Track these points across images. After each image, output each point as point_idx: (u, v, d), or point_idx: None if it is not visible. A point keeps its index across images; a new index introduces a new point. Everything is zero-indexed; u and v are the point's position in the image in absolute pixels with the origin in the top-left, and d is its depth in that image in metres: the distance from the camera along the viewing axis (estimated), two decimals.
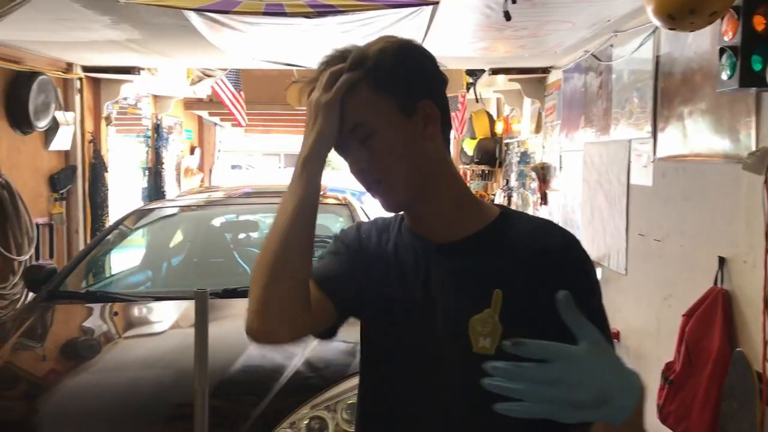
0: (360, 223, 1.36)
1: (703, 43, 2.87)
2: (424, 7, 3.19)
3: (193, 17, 3.33)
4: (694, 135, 2.98)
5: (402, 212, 1.24)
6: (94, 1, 3.20)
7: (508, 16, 2.93)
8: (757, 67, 2.23)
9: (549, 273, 1.09)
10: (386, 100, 1.12)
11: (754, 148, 2.42)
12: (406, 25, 3.54)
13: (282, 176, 25.33)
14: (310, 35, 3.65)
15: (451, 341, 1.13)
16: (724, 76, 2.34)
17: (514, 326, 1.08)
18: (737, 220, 2.57)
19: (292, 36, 3.72)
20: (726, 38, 2.33)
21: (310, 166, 1.15)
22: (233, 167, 26.42)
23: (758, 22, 2.22)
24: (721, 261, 2.68)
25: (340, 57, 1.15)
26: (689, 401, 2.58)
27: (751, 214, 2.46)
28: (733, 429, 2.37)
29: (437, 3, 3.11)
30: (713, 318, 2.59)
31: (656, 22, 2.29)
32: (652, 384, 2.83)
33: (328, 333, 1.25)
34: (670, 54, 3.26)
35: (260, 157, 31.28)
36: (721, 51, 2.34)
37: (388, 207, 1.18)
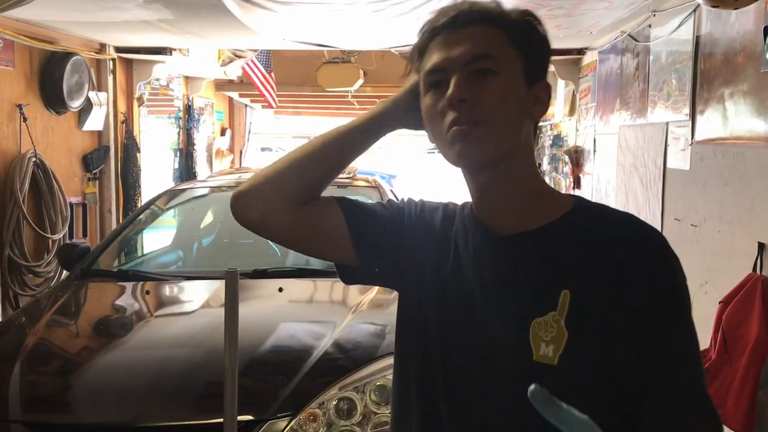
0: (425, 200, 1.25)
1: (747, 22, 2.78)
2: None
3: None
4: (735, 117, 2.90)
5: (470, 200, 1.13)
6: None
7: None
8: None
9: (625, 278, 0.97)
10: (516, 57, 1.03)
11: None
12: (442, 3, 3.49)
13: None
14: (342, 15, 3.62)
15: (508, 345, 1.01)
16: None
17: (581, 334, 0.97)
18: None
19: (323, 15, 3.69)
20: None
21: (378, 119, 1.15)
22: (263, 149, 26.62)
23: None
24: (761, 247, 2.61)
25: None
26: (724, 390, 2.52)
27: None
28: None
29: None
30: (752, 305, 2.53)
31: (699, 0, 2.21)
32: None
33: (345, 271, 1.17)
34: (710, 34, 3.17)
35: (290, 140, 31.41)
36: (766, 30, 2.26)
37: (470, 154, 1.01)
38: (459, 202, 1.20)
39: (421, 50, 1.07)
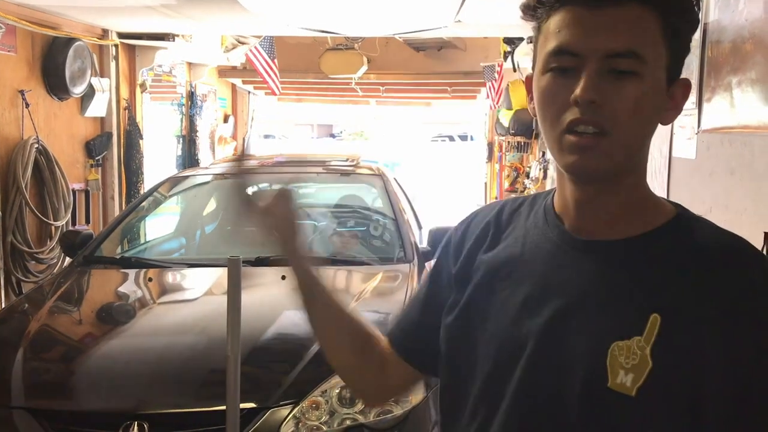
0: (462, 223, 1.10)
1: (756, 9, 2.74)
2: None
3: None
4: (743, 106, 2.87)
5: (552, 191, 1.00)
6: None
7: None
8: None
9: (727, 318, 0.83)
10: (664, 54, 0.88)
11: None
12: None
13: (314, 146, 25.47)
14: (344, 1, 3.59)
15: (580, 367, 0.88)
16: None
17: (668, 369, 0.83)
18: None
19: (326, 1, 3.67)
20: None
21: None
22: (266, 137, 26.63)
23: None
24: (767, 237, 2.59)
25: None
26: None
27: None
28: None
29: None
30: None
31: None
32: None
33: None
34: (718, 21, 3.13)
35: (293, 127, 31.40)
36: None
37: (585, 167, 0.88)
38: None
39: (545, 1, 0.91)
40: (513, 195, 7.55)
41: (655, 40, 0.86)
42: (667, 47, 0.87)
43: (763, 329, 0.82)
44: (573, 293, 0.90)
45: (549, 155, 5.46)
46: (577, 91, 0.84)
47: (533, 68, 0.94)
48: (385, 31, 4.94)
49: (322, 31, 4.98)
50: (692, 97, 3.38)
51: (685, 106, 3.14)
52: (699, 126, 3.32)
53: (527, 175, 7.57)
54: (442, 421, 1.06)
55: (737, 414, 0.82)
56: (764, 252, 2.58)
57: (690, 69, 3.43)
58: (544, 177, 7.06)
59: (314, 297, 1.14)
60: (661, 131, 3.82)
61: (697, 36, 3.34)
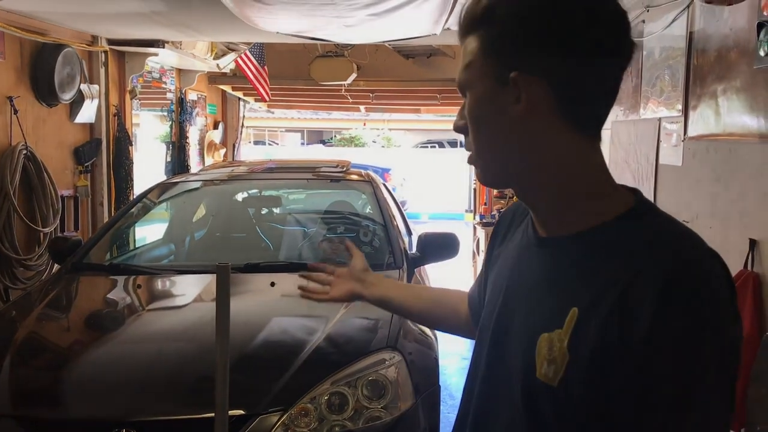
0: (504, 212, 1.24)
1: (740, 18, 2.78)
2: None
3: None
4: (728, 114, 2.91)
5: None
6: None
7: None
8: None
9: (634, 314, 0.81)
10: (485, 62, 0.92)
11: None
12: (429, 1, 3.48)
13: (304, 153, 25.44)
14: (335, 8, 3.61)
15: (520, 358, 0.93)
16: (762, 52, 2.27)
17: (582, 361, 0.85)
18: None
19: (317, 8, 3.68)
20: (765, 13, 2.25)
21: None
22: (256, 143, 26.57)
23: None
24: (752, 243, 2.62)
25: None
26: None
27: None
28: (761, 414, 2.33)
29: None
30: (743, 301, 2.54)
31: None
32: None
33: None
34: (704, 30, 3.17)
35: (283, 134, 31.36)
36: (759, 26, 2.27)
37: (479, 180, 1.01)
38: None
39: None
40: (501, 200, 7.58)
41: (476, 55, 0.93)
42: (484, 56, 0.92)
43: (666, 334, 0.79)
44: (523, 287, 0.97)
45: None
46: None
47: None
48: (375, 38, 4.95)
49: (313, 39, 4.99)
50: (678, 105, 3.42)
51: (670, 114, 3.17)
52: (685, 133, 3.35)
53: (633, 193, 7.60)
54: None
55: (641, 414, 0.81)
56: (751, 259, 2.61)
57: (676, 77, 3.47)
58: None
59: (388, 303, 1.50)
60: (647, 138, 3.87)
61: (683, 44, 3.38)
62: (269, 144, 28.59)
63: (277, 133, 30.52)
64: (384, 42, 5.20)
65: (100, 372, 2.68)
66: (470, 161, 0.97)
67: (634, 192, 0.95)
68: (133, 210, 4.34)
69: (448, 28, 4.32)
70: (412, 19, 3.82)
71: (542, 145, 0.91)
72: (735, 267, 2.68)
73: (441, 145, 29.11)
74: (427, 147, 29.48)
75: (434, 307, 1.47)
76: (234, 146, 9.92)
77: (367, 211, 4.54)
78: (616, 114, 4.52)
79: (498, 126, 0.92)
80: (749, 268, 2.61)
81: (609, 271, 0.85)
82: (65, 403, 2.57)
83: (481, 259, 6.78)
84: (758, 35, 2.28)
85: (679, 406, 0.79)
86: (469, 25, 0.94)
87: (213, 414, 2.15)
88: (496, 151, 0.94)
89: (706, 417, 0.80)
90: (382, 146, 29.33)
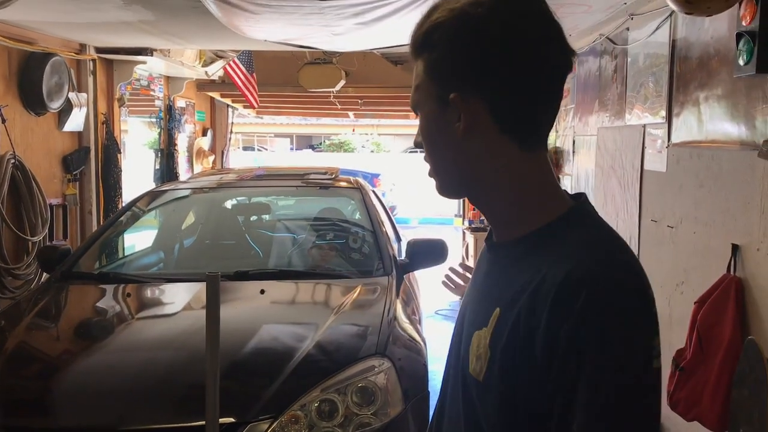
0: None
1: (721, 27, 2.83)
2: None
3: (207, 0, 3.31)
4: (710, 121, 2.95)
5: None
6: None
7: None
8: None
9: (536, 318, 0.86)
10: (429, 86, 0.99)
11: None
12: (417, 9, 3.51)
13: (293, 159, 25.41)
14: (323, 17, 3.64)
15: (462, 353, 1.00)
16: (741, 61, 2.31)
17: (499, 358, 0.90)
18: (752, 207, 2.55)
19: (304, 17, 3.71)
20: (744, 23, 2.30)
21: None
22: (245, 149, 26.53)
23: None
24: (735, 248, 2.66)
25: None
26: (700, 388, 2.57)
27: (766, 202, 2.44)
28: (743, 416, 2.36)
29: None
30: (725, 305, 2.58)
31: (673, 7, 2.26)
32: (663, 371, 2.81)
33: None
34: (686, 38, 3.22)
35: (272, 139, 31.32)
36: (739, 36, 2.31)
37: (437, 191, 1.07)
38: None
39: None
40: None
41: (422, 79, 0.99)
42: (430, 80, 0.98)
43: (556, 334, 0.83)
44: (474, 290, 1.06)
45: None
46: None
47: None
48: (362, 46, 4.99)
49: (300, 47, 5.01)
50: (662, 112, 3.47)
51: (654, 120, 3.22)
52: (669, 140, 3.40)
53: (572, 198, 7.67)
54: None
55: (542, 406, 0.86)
56: (734, 264, 2.65)
57: (660, 84, 3.52)
58: None
59: None
60: (632, 144, 3.92)
61: (666, 52, 3.43)
62: (258, 150, 28.55)
63: (266, 139, 30.49)
64: (372, 49, 5.23)
65: (91, 381, 2.69)
66: (429, 174, 1.04)
67: (578, 199, 1.00)
68: (122, 218, 4.35)
69: None
70: (399, 27, 3.85)
71: (485, 159, 0.97)
72: (718, 271, 2.73)
73: None
74: (416, 151, 29.52)
75: None
76: (223, 153, 9.92)
77: (356, 217, 4.56)
78: (602, 120, 4.57)
79: (445, 143, 0.99)
80: (732, 272, 2.65)
81: (525, 275, 0.91)
82: (57, 412, 2.58)
83: (471, 263, 6.81)
84: (737, 44, 2.32)
85: (569, 406, 0.83)
86: (414, 49, 1.00)
87: (203, 422, 2.18)
88: (447, 166, 1.01)
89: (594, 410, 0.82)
90: (372, 151, 29.35)
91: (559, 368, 0.83)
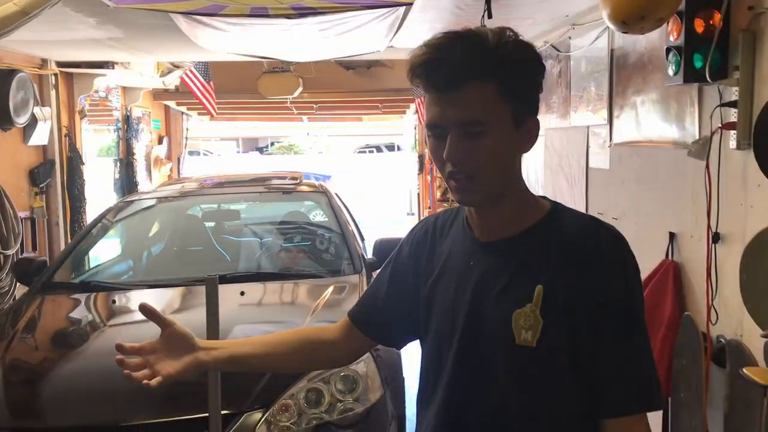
0: (408, 236, 1.46)
1: (653, 38, 3.14)
2: (399, 7, 3.42)
3: (179, 19, 3.50)
4: (646, 122, 3.28)
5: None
6: (83, 4, 3.35)
7: (489, 15, 3.21)
8: (698, 64, 2.51)
9: (585, 278, 1.16)
10: (506, 107, 1.16)
11: (697, 136, 2.72)
12: (379, 24, 3.77)
13: (243, 163, 25.28)
14: (290, 33, 3.86)
15: (497, 335, 1.20)
16: (671, 72, 2.62)
17: (555, 321, 1.16)
18: (684, 199, 2.88)
19: (271, 33, 3.92)
20: (672, 38, 2.61)
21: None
22: (190, 153, 26.22)
23: (698, 25, 2.50)
24: (671, 236, 2.99)
25: (462, 42, 1.15)
26: None
27: (696, 194, 2.76)
28: (683, 384, 2.69)
29: (411, 4, 3.34)
30: (665, 287, 2.90)
31: (611, 26, 2.57)
32: None
33: (390, 343, 1.54)
34: (623, 48, 3.55)
35: (217, 142, 30.99)
36: (668, 50, 2.62)
37: (465, 201, 1.24)
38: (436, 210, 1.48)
39: (417, 84, 1.20)
40: (445, 204, 7.94)
41: (495, 103, 1.16)
42: (510, 103, 1.17)
43: (610, 281, 1.17)
44: (483, 281, 1.24)
45: None
46: (445, 153, 1.18)
47: None
48: (323, 56, 5.21)
49: (261, 57, 5.21)
50: (604, 113, 3.80)
51: (597, 122, 3.60)
52: (611, 139, 3.73)
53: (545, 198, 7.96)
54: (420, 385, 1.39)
55: (600, 345, 1.17)
56: (671, 250, 2.99)
57: (601, 88, 3.85)
58: None
59: (239, 361, 1.46)
60: (577, 144, 4.24)
61: (605, 60, 3.76)
62: (204, 154, 28.24)
63: (210, 142, 30.13)
64: (331, 59, 5.47)
65: (89, 382, 2.86)
66: (459, 187, 1.19)
67: (544, 197, 1.30)
68: (93, 230, 4.48)
69: (392, 46, 4.62)
70: (359, 39, 4.10)
71: (519, 170, 1.26)
72: (657, 257, 3.06)
73: (379, 149, 29.42)
74: (365, 152, 29.74)
75: (297, 345, 1.49)
76: (179, 160, 10.00)
77: (323, 220, 4.77)
78: (549, 121, 4.90)
79: (512, 158, 1.22)
80: (669, 257, 2.99)
81: (558, 256, 1.18)
82: (60, 413, 2.74)
83: None
84: (667, 57, 2.64)
85: (634, 326, 1.18)
86: (475, 71, 1.14)
87: (197, 415, 2.38)
88: (500, 177, 1.21)
89: (642, 323, 1.20)
90: (320, 152, 29.42)
91: (611, 304, 1.16)
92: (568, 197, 4.46)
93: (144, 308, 1.39)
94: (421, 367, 1.38)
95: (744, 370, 1.97)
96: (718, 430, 2.48)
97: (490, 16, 3.24)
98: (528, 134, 1.21)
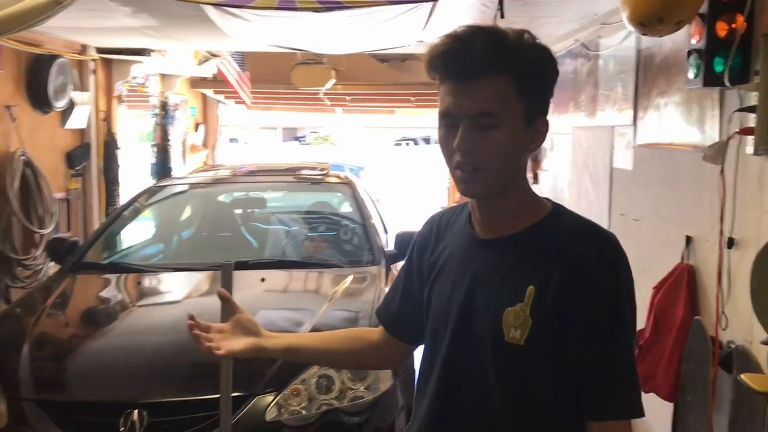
0: (417, 235, 1.48)
1: (678, 40, 3.13)
2: (426, 3, 3.45)
3: (210, 9, 3.58)
4: (669, 125, 3.27)
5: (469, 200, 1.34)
6: None
7: (502, 14, 3.21)
8: (718, 68, 2.50)
9: (575, 284, 1.17)
10: (519, 104, 1.19)
11: (717, 140, 2.71)
12: (407, 18, 3.80)
13: (280, 151, 25.52)
14: (317, 26, 3.91)
15: (487, 330, 1.23)
16: (691, 75, 2.61)
17: (543, 323, 1.19)
18: (702, 203, 2.87)
19: (298, 26, 3.98)
20: (694, 41, 2.60)
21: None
22: (231, 140, 26.59)
23: (720, 28, 2.49)
24: (688, 239, 2.98)
25: (477, 36, 1.17)
26: (655, 364, 2.89)
27: (713, 199, 2.75)
28: (691, 388, 2.69)
29: (436, 0, 3.37)
30: (679, 290, 2.90)
31: (630, 28, 2.57)
32: None
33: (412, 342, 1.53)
34: (649, 49, 3.53)
35: (258, 131, 31.37)
36: (689, 53, 2.62)
37: (470, 193, 1.25)
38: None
39: (434, 75, 1.22)
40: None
41: (509, 99, 1.18)
42: (523, 102, 1.19)
43: (600, 287, 1.18)
44: (477, 279, 1.27)
45: None
46: (455, 143, 1.20)
47: None
48: (353, 50, 5.26)
49: (293, 49, 5.28)
50: (629, 114, 3.78)
51: (622, 122, 3.60)
52: (635, 140, 3.72)
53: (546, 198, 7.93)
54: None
55: (585, 347, 1.19)
56: (687, 253, 2.98)
57: (627, 88, 3.84)
58: None
59: (296, 351, 1.54)
60: (603, 144, 4.23)
61: (632, 60, 3.74)
62: (245, 142, 28.61)
63: (251, 131, 30.50)
64: (360, 52, 5.52)
65: (112, 360, 2.97)
66: (468, 175, 1.21)
67: (547, 198, 1.32)
68: (125, 212, 4.61)
69: (422, 41, 4.65)
70: (388, 33, 4.14)
71: (524, 168, 1.29)
72: (675, 260, 3.05)
73: (415, 142, 29.41)
74: (401, 144, 29.75)
75: (348, 342, 1.56)
76: (214, 147, 10.16)
77: (347, 211, 4.84)
78: (577, 119, 4.88)
79: (518, 154, 1.24)
80: (685, 261, 2.98)
81: (553, 258, 1.20)
82: (81, 387, 2.85)
83: None
84: (688, 60, 2.63)
85: (620, 334, 1.20)
86: (495, 66, 1.16)
87: (213, 395, 2.45)
88: (505, 171, 1.23)
89: (629, 331, 1.22)
90: (357, 144, 29.51)
91: (600, 306, 1.18)
92: (592, 196, 4.45)
93: (220, 294, 1.52)
94: (421, 360, 1.41)
95: (742, 376, 1.97)
96: None
97: (502, 16, 3.25)
98: (536, 134, 1.23)
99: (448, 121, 1.21)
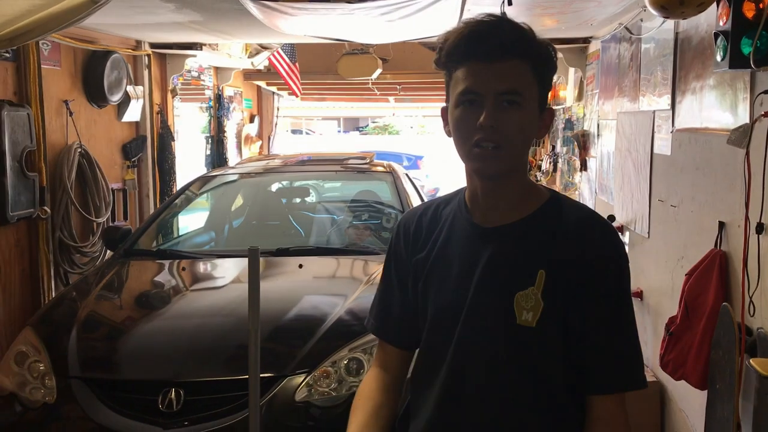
0: (400, 223, 1.49)
1: (713, 22, 3.06)
2: None
3: (248, 3, 3.69)
4: (704, 109, 3.21)
5: (463, 190, 1.39)
6: None
7: (510, 2, 3.20)
8: (746, 50, 2.44)
9: (584, 267, 1.25)
10: (536, 89, 1.28)
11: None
12: (442, 7, 3.82)
13: (340, 141, 25.78)
14: (353, 17, 3.98)
15: (498, 315, 1.29)
16: (718, 57, 2.56)
17: (554, 305, 1.26)
18: (735, 188, 2.81)
19: (335, 18, 4.05)
20: (721, 23, 2.55)
21: None
22: (294, 132, 27.03)
23: (748, 9, 2.43)
24: (721, 225, 2.93)
25: (492, 25, 1.26)
26: (686, 351, 2.86)
27: (745, 184, 2.70)
28: (719, 375, 2.65)
29: None
30: (710, 276, 2.85)
31: (652, 11, 2.54)
32: (658, 337, 3.11)
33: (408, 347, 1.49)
34: (686, 31, 3.46)
35: (319, 122, 31.80)
36: (716, 35, 2.57)
37: (489, 171, 1.29)
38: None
39: (453, 60, 1.28)
40: None
41: (530, 82, 1.27)
42: (539, 86, 1.29)
43: (606, 270, 1.27)
44: (485, 267, 1.31)
45: (559, 149, 5.81)
46: (482, 119, 1.24)
47: (447, 103, 1.36)
48: (393, 39, 5.31)
49: (337, 40, 5.36)
50: (668, 99, 3.72)
51: (662, 107, 3.56)
52: (673, 125, 3.66)
53: (539, 168, 7.88)
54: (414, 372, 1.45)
55: (594, 327, 1.27)
56: (719, 239, 2.93)
57: (666, 73, 3.77)
58: (554, 170, 7.37)
59: None
60: (644, 129, 4.17)
61: (671, 43, 3.67)
62: (306, 133, 29.03)
63: (313, 122, 30.94)
64: (403, 41, 5.56)
65: (153, 341, 3.13)
66: (492, 153, 1.25)
67: (540, 184, 1.40)
68: (176, 201, 4.80)
69: None
70: (424, 21, 4.17)
71: (527, 151, 1.36)
72: (707, 246, 3.00)
73: None
74: None
75: (379, 422, 1.41)
76: (269, 138, 10.37)
77: (387, 199, 4.91)
78: (621, 105, 4.81)
79: (531, 136, 1.30)
80: (718, 247, 2.93)
81: (560, 243, 1.27)
82: (123, 367, 3.03)
83: None
84: (715, 42, 2.58)
85: (622, 304, 1.30)
86: (523, 50, 1.26)
87: (245, 376, 2.57)
88: (520, 153, 1.30)
89: (631, 310, 1.32)
90: (417, 133, 29.52)
91: (602, 285, 1.26)
92: (634, 182, 4.39)
93: None
94: (419, 352, 1.43)
95: (750, 360, 1.95)
96: (748, 422, 2.45)
97: (510, 3, 3.24)
98: (544, 122, 1.32)
99: (471, 98, 1.25)
